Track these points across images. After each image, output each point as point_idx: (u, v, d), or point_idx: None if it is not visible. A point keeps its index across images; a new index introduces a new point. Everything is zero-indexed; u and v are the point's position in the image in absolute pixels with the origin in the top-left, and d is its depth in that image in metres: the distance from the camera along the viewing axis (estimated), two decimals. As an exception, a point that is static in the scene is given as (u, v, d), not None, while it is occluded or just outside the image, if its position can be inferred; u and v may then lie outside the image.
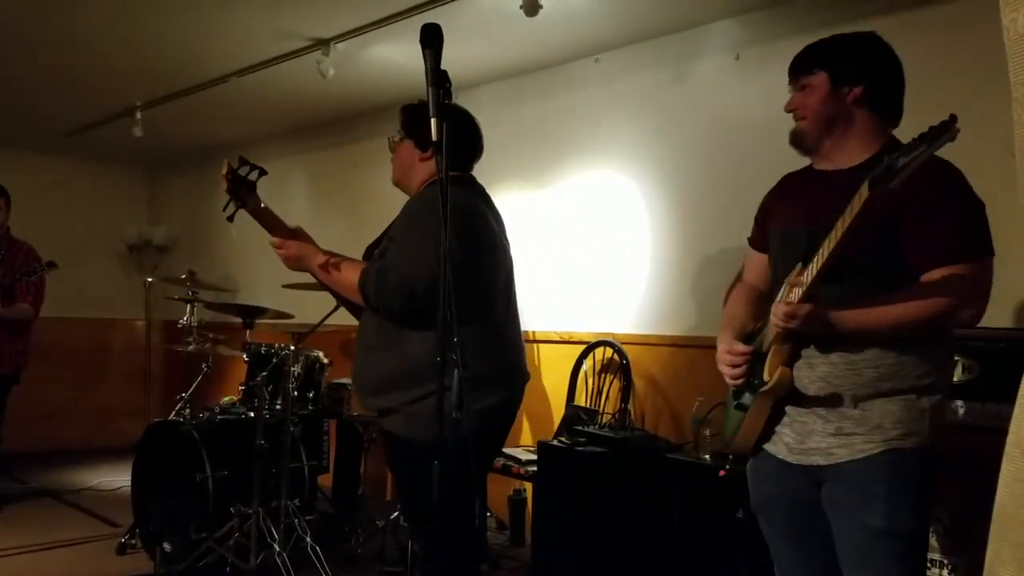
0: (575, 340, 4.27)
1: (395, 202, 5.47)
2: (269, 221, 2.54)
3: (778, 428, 1.92)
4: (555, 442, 3.68)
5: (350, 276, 2.42)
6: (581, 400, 4.12)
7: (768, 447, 1.95)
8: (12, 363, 4.79)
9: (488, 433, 2.48)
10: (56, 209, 6.93)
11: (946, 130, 1.54)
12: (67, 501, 5.12)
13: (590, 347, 4.13)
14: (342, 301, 2.66)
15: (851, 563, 1.86)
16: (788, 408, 1.90)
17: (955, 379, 2.62)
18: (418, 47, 1.91)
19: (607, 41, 4.18)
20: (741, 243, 3.75)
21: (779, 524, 2.02)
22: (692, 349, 3.88)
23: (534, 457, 3.74)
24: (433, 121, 1.85)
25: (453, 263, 2.17)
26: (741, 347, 1.96)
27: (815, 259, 1.77)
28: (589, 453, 3.49)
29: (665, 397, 3.97)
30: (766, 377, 1.88)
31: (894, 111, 1.96)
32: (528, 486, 3.98)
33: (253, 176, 2.46)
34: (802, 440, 1.88)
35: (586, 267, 4.32)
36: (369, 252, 2.61)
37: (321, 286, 2.65)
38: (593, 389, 4.11)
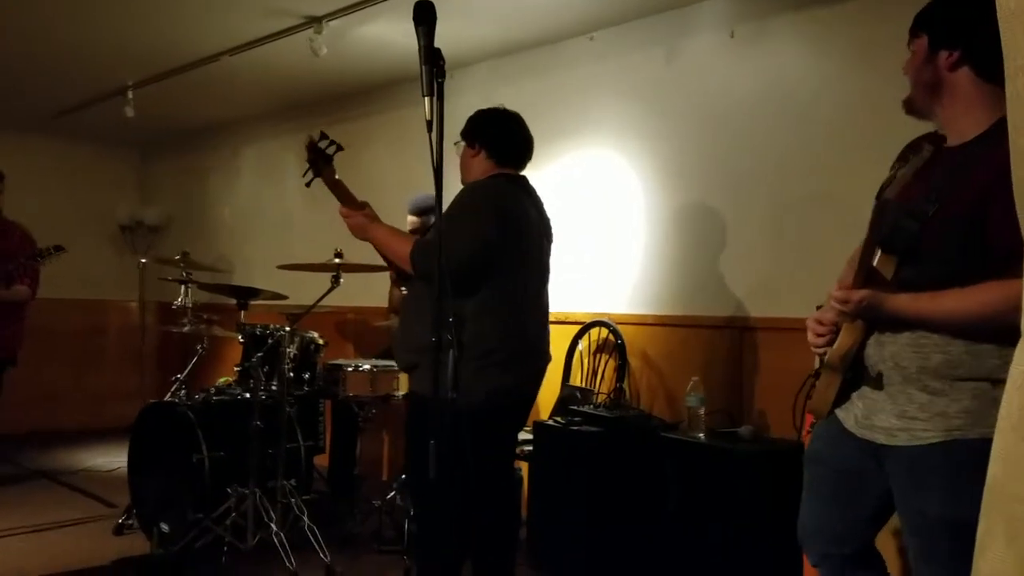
0: (570, 320, 4.27)
1: (387, 181, 5.48)
2: (341, 192, 2.81)
3: (854, 396, 1.91)
4: (551, 422, 3.69)
5: (402, 248, 2.71)
6: (576, 380, 4.13)
7: (839, 412, 1.94)
8: (8, 346, 4.79)
9: (503, 411, 2.75)
10: (48, 190, 6.89)
11: (921, 158, 1.58)
12: (63, 482, 5.12)
13: (585, 327, 4.14)
14: (395, 269, 3.02)
15: (912, 548, 1.85)
16: (863, 383, 1.88)
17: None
18: (411, 25, 1.90)
19: (601, 19, 4.15)
20: (738, 222, 3.76)
21: (821, 481, 2.02)
22: (687, 328, 3.89)
23: (530, 437, 3.75)
24: (426, 100, 1.84)
25: (490, 247, 2.65)
26: (830, 316, 1.91)
27: (863, 246, 1.75)
28: (584, 432, 3.50)
29: (660, 376, 3.98)
30: (829, 352, 1.89)
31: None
32: (524, 465, 3.99)
33: (331, 150, 2.75)
34: (868, 416, 1.87)
35: (581, 247, 4.31)
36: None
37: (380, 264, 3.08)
38: (588, 369, 4.11)
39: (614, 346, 4.00)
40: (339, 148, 2.76)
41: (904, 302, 1.75)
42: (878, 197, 1.76)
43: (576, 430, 3.52)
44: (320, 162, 2.73)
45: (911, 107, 1.90)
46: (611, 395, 3.88)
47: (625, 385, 3.94)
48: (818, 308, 2.00)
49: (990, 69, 1.74)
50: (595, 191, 4.30)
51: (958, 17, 1.80)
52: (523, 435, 3.82)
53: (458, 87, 4.59)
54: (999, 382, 1.64)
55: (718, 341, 3.77)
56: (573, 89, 4.40)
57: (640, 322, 4.05)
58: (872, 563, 2.04)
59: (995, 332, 1.68)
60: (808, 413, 2.00)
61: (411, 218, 4.15)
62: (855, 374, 1.88)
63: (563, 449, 3.54)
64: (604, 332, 4.07)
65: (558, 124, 4.40)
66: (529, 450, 3.72)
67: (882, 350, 1.83)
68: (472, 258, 2.58)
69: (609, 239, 4.23)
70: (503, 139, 2.89)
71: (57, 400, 6.84)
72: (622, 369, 3.94)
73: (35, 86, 5.61)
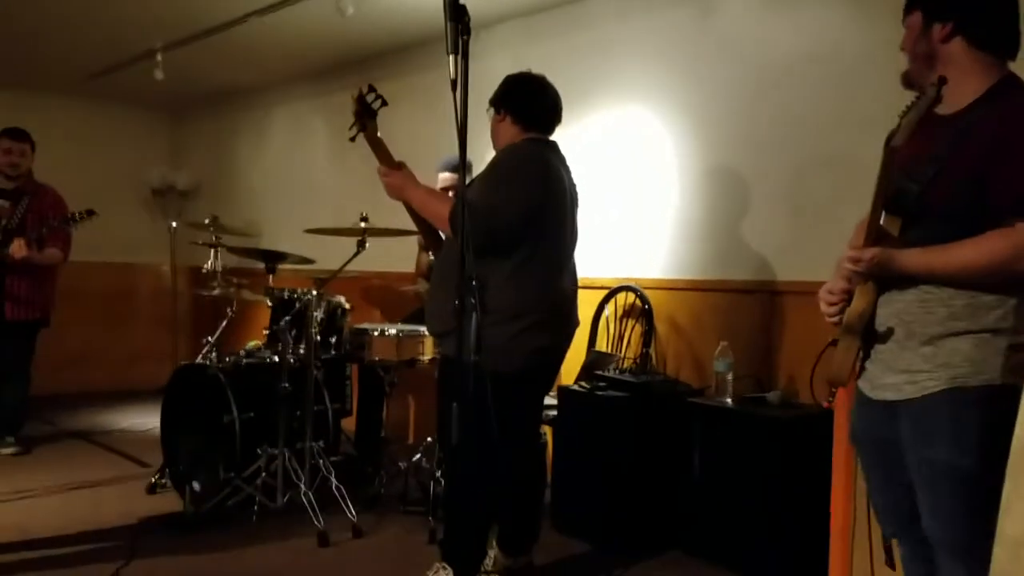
0: (597, 285, 4.25)
1: (415, 144, 5.43)
2: (381, 151, 2.81)
3: (866, 363, 1.97)
4: (576, 387, 3.69)
5: (442, 208, 2.68)
6: (603, 345, 4.11)
7: (860, 382, 2.00)
8: (42, 308, 4.87)
9: (539, 372, 2.84)
10: (79, 153, 6.96)
11: (927, 99, 1.72)
12: (97, 442, 5.22)
13: (612, 292, 4.11)
14: (425, 234, 3.00)
15: (920, 499, 1.89)
16: (874, 343, 1.94)
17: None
18: (435, -18, 1.86)
19: (632, -23, 4.07)
20: (770, 185, 3.70)
21: (865, 456, 2.08)
22: (715, 293, 3.85)
23: (555, 402, 3.75)
24: (451, 59, 1.82)
25: (535, 208, 2.67)
26: (840, 284, 1.97)
27: (871, 207, 1.81)
28: (610, 398, 3.50)
29: (687, 341, 3.95)
30: (846, 315, 1.93)
31: (1004, 44, 1.89)
32: (548, 430, 4.00)
33: (376, 105, 2.75)
34: (879, 375, 1.92)
35: (608, 210, 4.27)
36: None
37: (413, 222, 2.99)
38: (615, 334, 4.10)
39: (641, 311, 3.98)
40: (384, 103, 2.75)
41: (914, 256, 1.82)
42: (886, 144, 1.81)
43: (601, 395, 3.52)
44: (366, 116, 2.74)
45: (908, 80, 1.98)
46: (637, 360, 3.86)
47: (652, 350, 3.92)
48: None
49: (982, 38, 1.86)
50: (622, 153, 4.25)
51: None
52: (548, 399, 3.82)
53: (484, 47, 4.53)
54: (999, 332, 1.79)
55: (746, 305, 3.72)
56: (601, 48, 4.33)
57: (667, 287, 4.02)
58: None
59: (1000, 282, 1.77)
60: (828, 381, 2.02)
61: (445, 175, 4.10)
62: (867, 338, 1.93)
63: (588, 414, 3.54)
64: (631, 297, 4.05)
65: (585, 84, 4.33)
66: (554, 415, 3.72)
67: (889, 308, 1.90)
68: (520, 218, 2.61)
69: (636, 203, 4.19)
70: (528, 103, 2.87)
71: (90, 362, 6.96)
72: (648, 334, 3.91)
73: (66, 49, 5.64)
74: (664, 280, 4.04)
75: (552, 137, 2.94)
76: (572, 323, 2.97)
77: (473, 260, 2.58)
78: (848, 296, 1.94)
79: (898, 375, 1.87)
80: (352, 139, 2.78)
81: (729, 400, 3.34)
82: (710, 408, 3.34)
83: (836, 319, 1.98)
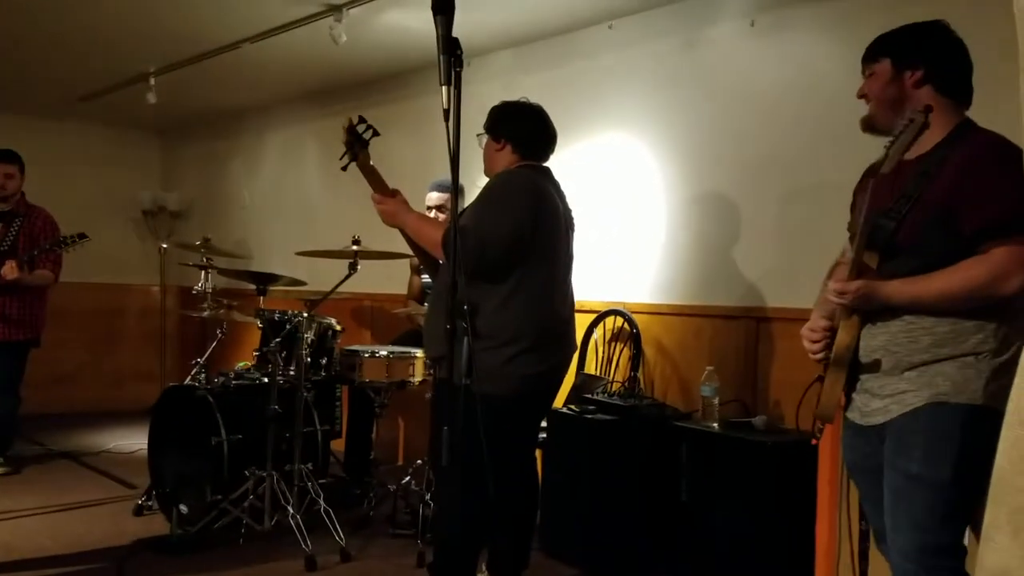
0: (586, 309, 4.28)
1: (406, 169, 5.48)
2: (374, 178, 2.84)
3: (853, 395, 2.04)
4: (565, 409, 3.71)
5: (435, 234, 2.71)
6: (591, 368, 4.14)
7: (848, 413, 2.07)
8: (33, 328, 4.88)
9: (532, 398, 2.83)
10: (71, 175, 6.97)
11: (916, 125, 1.82)
12: (84, 463, 5.20)
13: (601, 316, 4.15)
14: (422, 259, 3.01)
15: (888, 509, 1.95)
16: (859, 375, 2.01)
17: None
18: (431, 13, 1.91)
19: (621, 7, 4.13)
20: (756, 212, 3.75)
21: (862, 485, 2.14)
22: (702, 318, 3.89)
23: (544, 424, 3.76)
24: (443, 89, 1.85)
25: (526, 234, 2.67)
26: (822, 323, 2.06)
27: (854, 243, 1.91)
28: (598, 421, 3.52)
29: (674, 366, 3.98)
30: (834, 350, 2.00)
31: (964, 92, 2.04)
32: (538, 452, 4.01)
33: (367, 135, 2.77)
34: (867, 404, 2.00)
35: (598, 236, 4.31)
36: None
37: (409, 248, 3.02)
38: (603, 357, 4.13)
39: (629, 335, 4.01)
40: (376, 133, 2.78)
41: (896, 286, 1.91)
42: (869, 175, 1.93)
43: (590, 418, 3.54)
44: (357, 146, 2.77)
45: (871, 125, 2.12)
46: (625, 384, 3.89)
47: (639, 374, 3.95)
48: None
49: (947, 85, 2.01)
50: (612, 180, 4.30)
51: (919, 42, 2.05)
52: (537, 422, 3.84)
53: (476, 75, 4.59)
54: (981, 355, 1.88)
55: (733, 331, 3.76)
56: (592, 78, 4.39)
57: (655, 311, 4.06)
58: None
59: (977, 309, 1.87)
60: (817, 418, 2.06)
61: (433, 194, 4.16)
62: (852, 371, 2.00)
63: (577, 437, 3.56)
64: (619, 321, 4.08)
65: (576, 113, 4.39)
66: (543, 437, 3.74)
67: (874, 340, 1.97)
68: (512, 243, 2.63)
69: (626, 228, 4.23)
70: (530, 134, 2.92)
71: (79, 382, 6.94)
72: (637, 358, 3.95)
73: (58, 71, 5.66)
74: (652, 305, 4.08)
75: (546, 164, 2.97)
76: (569, 347, 2.98)
77: (465, 285, 2.62)
78: (830, 333, 2.02)
79: (885, 399, 1.95)
80: (344, 168, 2.80)
81: (715, 425, 3.36)
82: (697, 432, 3.36)
83: (820, 356, 2.06)
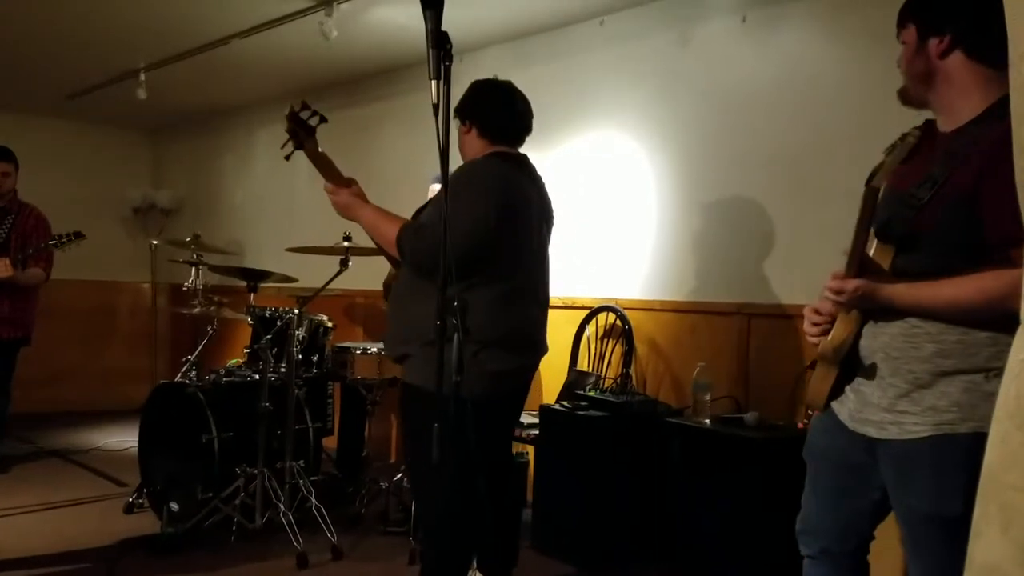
0: (578, 305, 4.28)
1: (398, 164, 5.46)
2: (325, 166, 2.64)
3: (847, 389, 1.89)
4: (557, 406, 3.71)
5: (389, 230, 2.52)
6: (583, 365, 4.14)
7: (835, 405, 1.92)
8: (24, 327, 4.85)
9: (498, 398, 2.58)
10: (60, 172, 6.94)
11: (907, 145, 1.65)
12: (74, 461, 5.18)
13: (593, 312, 4.15)
14: (385, 254, 2.73)
15: (905, 543, 1.84)
16: (856, 375, 1.87)
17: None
18: (420, 8, 1.89)
19: (612, 3, 4.13)
20: (748, 209, 3.75)
21: (819, 475, 2.02)
22: (694, 315, 3.89)
23: (536, 421, 3.76)
24: (432, 84, 1.84)
25: (488, 232, 2.44)
26: (828, 307, 1.87)
27: (854, 237, 1.73)
28: (590, 417, 3.52)
29: (666, 362, 3.98)
30: (824, 343, 1.87)
31: (1005, 55, 1.75)
32: (530, 449, 4.01)
33: (313, 121, 2.57)
34: (860, 409, 1.85)
35: (590, 232, 4.31)
36: (417, 214, 2.70)
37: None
38: (596, 354, 4.12)
39: (621, 331, 4.01)
40: (323, 119, 2.58)
41: (900, 290, 1.74)
42: (868, 183, 1.74)
43: (582, 415, 3.54)
44: (301, 134, 2.57)
45: (906, 98, 1.89)
46: (617, 380, 3.89)
47: (632, 371, 3.95)
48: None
49: (981, 51, 1.73)
50: (604, 176, 4.29)
51: (945, 2, 1.79)
52: (529, 419, 3.84)
53: (467, 71, 4.56)
54: (993, 373, 1.66)
55: (725, 328, 3.77)
56: (582, 74, 4.39)
57: (648, 307, 4.06)
58: (859, 567, 2.02)
59: (992, 320, 1.66)
60: (806, 405, 2.00)
61: (437, 186, 4.11)
62: (849, 366, 1.86)
63: (569, 433, 3.56)
64: (612, 317, 4.08)
65: (567, 109, 4.39)
66: (535, 434, 3.74)
67: (875, 340, 1.82)
68: (468, 244, 2.40)
69: (618, 224, 4.23)
70: (496, 114, 2.67)
71: (69, 380, 6.91)
72: (629, 354, 3.95)
73: (47, 68, 5.63)
74: (644, 301, 4.08)
75: (525, 150, 2.77)
76: (536, 348, 2.76)
77: (424, 283, 2.37)
78: (833, 319, 1.87)
79: (882, 413, 1.80)
80: (287, 158, 2.62)
81: (707, 421, 3.37)
82: (688, 428, 3.37)
83: (817, 340, 1.91)
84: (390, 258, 2.75)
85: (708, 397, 3.43)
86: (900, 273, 1.77)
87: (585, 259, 4.34)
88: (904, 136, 1.78)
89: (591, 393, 3.72)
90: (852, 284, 1.74)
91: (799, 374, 3.35)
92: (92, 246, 4.84)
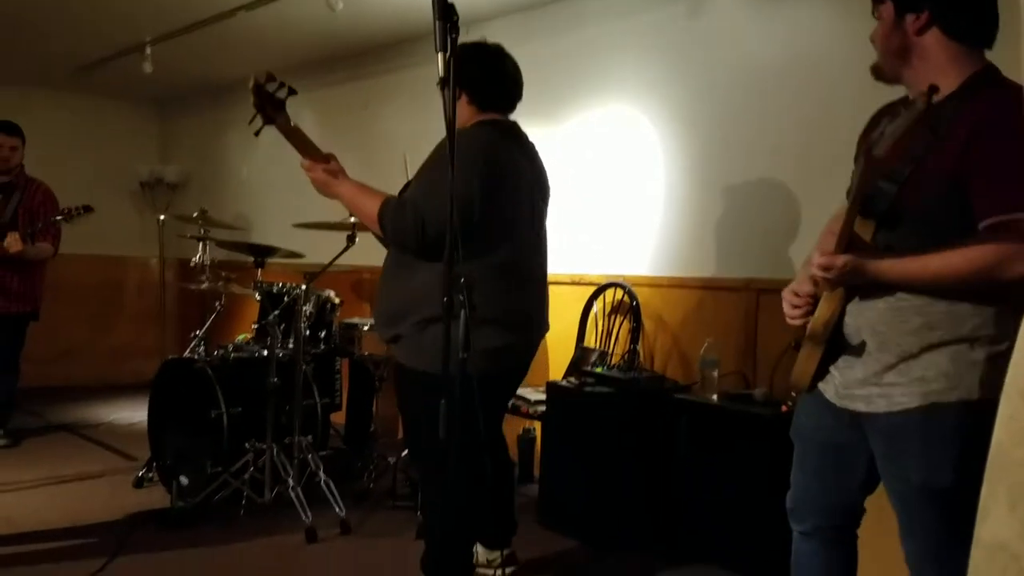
0: (585, 281, 4.26)
1: (406, 139, 5.41)
2: (300, 141, 2.51)
3: (832, 368, 1.89)
4: (564, 383, 3.70)
5: (371, 206, 2.45)
6: (591, 341, 4.13)
7: (821, 385, 1.92)
8: (33, 302, 4.88)
9: (494, 375, 2.48)
10: (67, 146, 6.93)
11: (915, 110, 1.59)
12: (84, 435, 5.21)
13: (600, 288, 4.13)
14: (373, 231, 2.64)
15: (896, 511, 1.85)
16: (842, 353, 1.86)
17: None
18: (425, -21, 1.87)
19: (621, -25, 4.08)
20: (757, 184, 3.72)
21: (807, 454, 2.02)
22: (702, 291, 3.87)
23: (543, 397, 3.77)
24: (439, 56, 1.82)
25: (472, 206, 2.33)
26: (807, 287, 1.87)
27: (846, 211, 1.72)
28: (597, 394, 3.51)
29: (674, 338, 3.97)
30: (810, 323, 1.86)
31: (981, 32, 1.78)
32: (537, 425, 4.02)
33: (281, 94, 2.43)
34: (847, 385, 1.85)
35: (597, 208, 4.29)
36: (404, 190, 2.63)
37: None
38: (603, 330, 4.12)
39: (629, 307, 4.00)
40: (292, 91, 2.45)
41: (887, 265, 1.73)
42: (867, 151, 1.71)
43: (589, 391, 3.54)
44: (269, 108, 2.43)
45: (879, 73, 1.90)
46: (625, 356, 3.88)
47: (639, 347, 3.94)
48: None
49: (958, 29, 1.75)
50: (613, 150, 4.26)
51: None
52: (536, 395, 3.85)
53: (475, 45, 4.54)
54: (977, 341, 1.70)
55: (733, 304, 3.75)
56: (590, 47, 4.34)
57: (656, 284, 4.04)
58: (850, 541, 2.05)
59: (977, 291, 1.69)
60: (790, 387, 2.00)
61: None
62: (833, 345, 1.85)
63: (576, 410, 3.56)
64: (619, 293, 4.07)
65: (576, 83, 4.34)
66: (542, 410, 3.74)
67: (860, 317, 1.81)
68: (457, 215, 2.20)
69: (626, 200, 4.20)
70: (485, 80, 2.56)
71: (78, 354, 6.94)
72: (636, 331, 3.93)
73: (53, 42, 5.60)
74: (652, 277, 4.06)
75: (531, 125, 2.69)
76: (534, 325, 2.67)
77: (400, 257, 2.33)
78: (814, 300, 1.86)
79: (869, 387, 1.80)
80: (256, 134, 2.47)
81: (715, 397, 3.36)
82: (696, 405, 3.36)
83: (800, 322, 1.91)
84: (377, 235, 2.67)
85: (716, 373, 3.42)
86: (885, 250, 1.76)
87: (592, 235, 4.32)
88: (909, 102, 1.73)
89: (598, 370, 3.71)
90: (841, 260, 1.72)
91: (784, 353, 3.34)
92: (100, 221, 4.85)
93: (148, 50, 5.40)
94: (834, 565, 2.04)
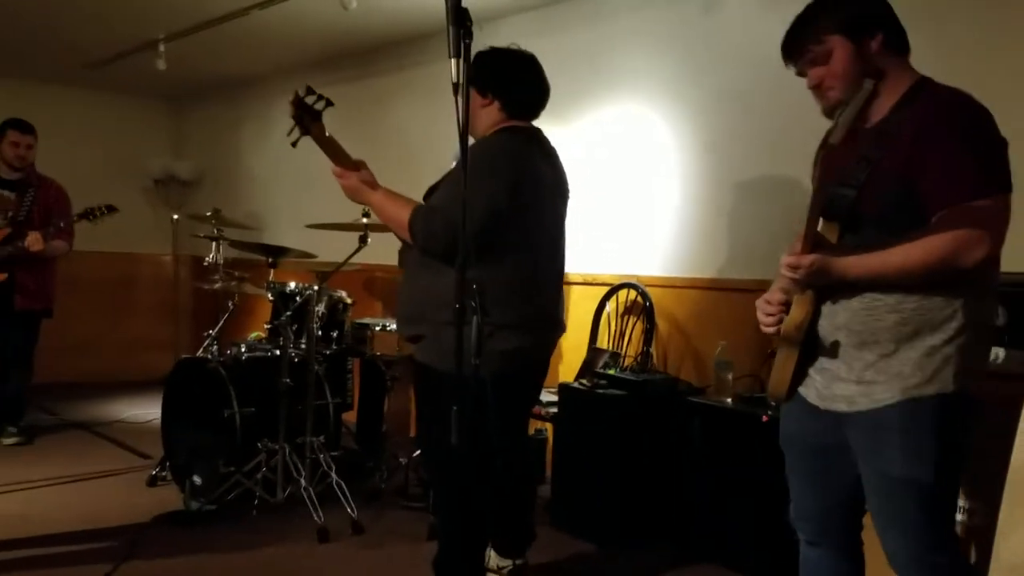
0: (599, 282, 4.24)
1: (418, 138, 5.40)
2: (333, 150, 2.61)
3: (811, 371, 1.93)
4: (576, 384, 3.69)
5: (401, 213, 2.51)
6: (604, 342, 4.11)
7: (801, 390, 1.96)
8: (47, 298, 4.90)
9: (512, 377, 2.52)
10: (80, 143, 6.95)
11: (865, 92, 1.77)
12: (98, 433, 5.23)
13: (613, 289, 4.11)
14: (398, 235, 2.68)
15: (875, 510, 1.88)
16: (819, 355, 1.90)
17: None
18: (440, -20, 1.85)
19: (636, -27, 4.05)
20: (772, 184, 3.69)
21: (797, 461, 2.05)
22: (716, 292, 3.85)
23: (555, 399, 3.75)
24: (452, 62, 1.80)
25: (499, 217, 2.41)
26: (778, 296, 1.94)
27: (807, 214, 1.79)
28: (609, 396, 3.50)
29: (688, 340, 3.95)
30: (783, 325, 1.89)
31: (905, 42, 1.91)
32: (549, 427, 4.01)
33: (319, 105, 2.55)
34: (828, 386, 1.88)
35: (610, 208, 4.26)
36: (429, 193, 2.67)
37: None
38: (616, 331, 4.09)
39: (642, 309, 3.98)
40: (329, 103, 2.57)
41: (851, 262, 1.79)
42: (822, 147, 1.81)
43: (602, 393, 3.52)
44: (307, 119, 2.55)
45: (833, 113, 1.93)
46: (638, 358, 3.86)
47: (652, 348, 3.92)
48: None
49: (899, 41, 1.89)
50: (626, 150, 4.23)
51: (868, 4, 1.90)
52: (548, 396, 3.83)
53: (487, 41, 4.49)
54: (948, 334, 1.76)
55: (748, 305, 3.67)
56: (604, 44, 4.31)
57: (669, 284, 4.02)
58: (855, 547, 2.05)
59: (947, 282, 1.74)
60: (768, 397, 2.01)
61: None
62: (810, 348, 1.90)
63: (588, 412, 3.54)
64: (632, 294, 4.04)
65: (589, 80, 4.32)
66: (554, 412, 3.73)
67: (835, 319, 1.86)
68: (483, 224, 2.37)
69: (640, 200, 4.18)
70: (521, 90, 2.62)
71: (91, 351, 6.96)
72: (649, 332, 3.91)
73: (67, 38, 5.62)
74: (666, 278, 4.04)
75: (544, 123, 2.71)
76: (553, 325, 2.73)
77: (438, 264, 2.36)
78: (786, 307, 1.90)
79: (850, 386, 1.84)
80: (294, 144, 2.59)
81: (729, 400, 3.34)
82: (709, 407, 3.34)
83: (773, 330, 1.94)
84: (401, 238, 2.70)
85: (730, 376, 3.39)
86: (846, 250, 1.81)
87: (606, 235, 4.30)
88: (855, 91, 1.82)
89: (611, 371, 3.69)
90: (808, 259, 1.78)
91: (723, 361, 3.37)
92: (114, 218, 4.86)
93: (161, 47, 5.40)
94: (841, 574, 2.04)
